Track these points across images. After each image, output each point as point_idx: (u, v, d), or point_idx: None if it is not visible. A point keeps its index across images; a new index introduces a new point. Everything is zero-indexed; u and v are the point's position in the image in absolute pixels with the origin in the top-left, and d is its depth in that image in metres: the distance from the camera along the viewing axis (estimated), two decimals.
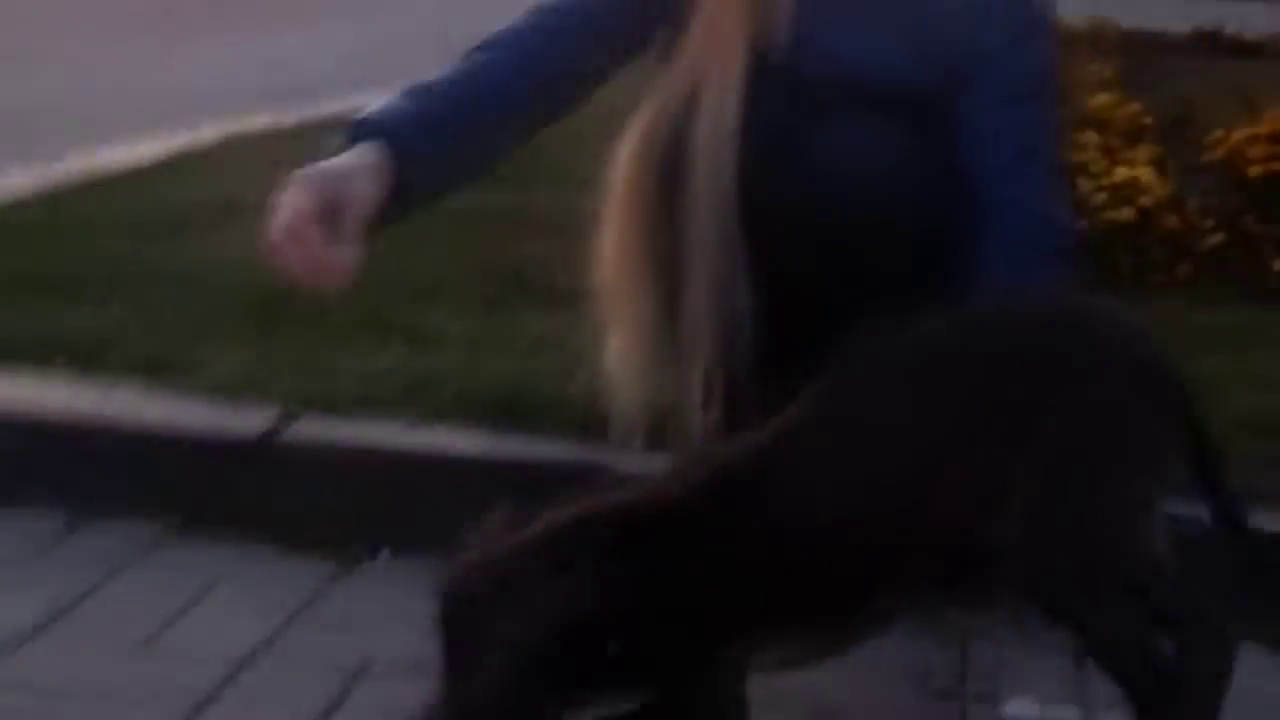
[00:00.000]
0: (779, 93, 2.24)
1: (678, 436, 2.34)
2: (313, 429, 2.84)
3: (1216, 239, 4.08)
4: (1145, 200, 4.20)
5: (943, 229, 2.23)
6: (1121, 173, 4.35)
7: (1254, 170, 4.51)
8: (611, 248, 2.30)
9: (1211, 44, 10.17)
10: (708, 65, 2.25)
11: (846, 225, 2.18)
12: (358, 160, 2.08)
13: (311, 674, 2.30)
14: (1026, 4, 2.36)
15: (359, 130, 2.13)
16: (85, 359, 3.08)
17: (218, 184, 4.71)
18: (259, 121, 6.14)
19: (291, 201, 2.01)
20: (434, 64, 2.29)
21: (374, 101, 2.20)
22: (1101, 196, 4.14)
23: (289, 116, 6.27)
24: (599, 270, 2.32)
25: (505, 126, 2.31)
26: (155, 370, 3.03)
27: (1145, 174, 4.36)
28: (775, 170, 2.21)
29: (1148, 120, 5.46)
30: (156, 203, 4.48)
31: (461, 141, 2.23)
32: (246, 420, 2.85)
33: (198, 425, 2.86)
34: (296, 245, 2.00)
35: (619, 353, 2.34)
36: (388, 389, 2.96)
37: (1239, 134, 4.72)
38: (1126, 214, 4.08)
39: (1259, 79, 7.96)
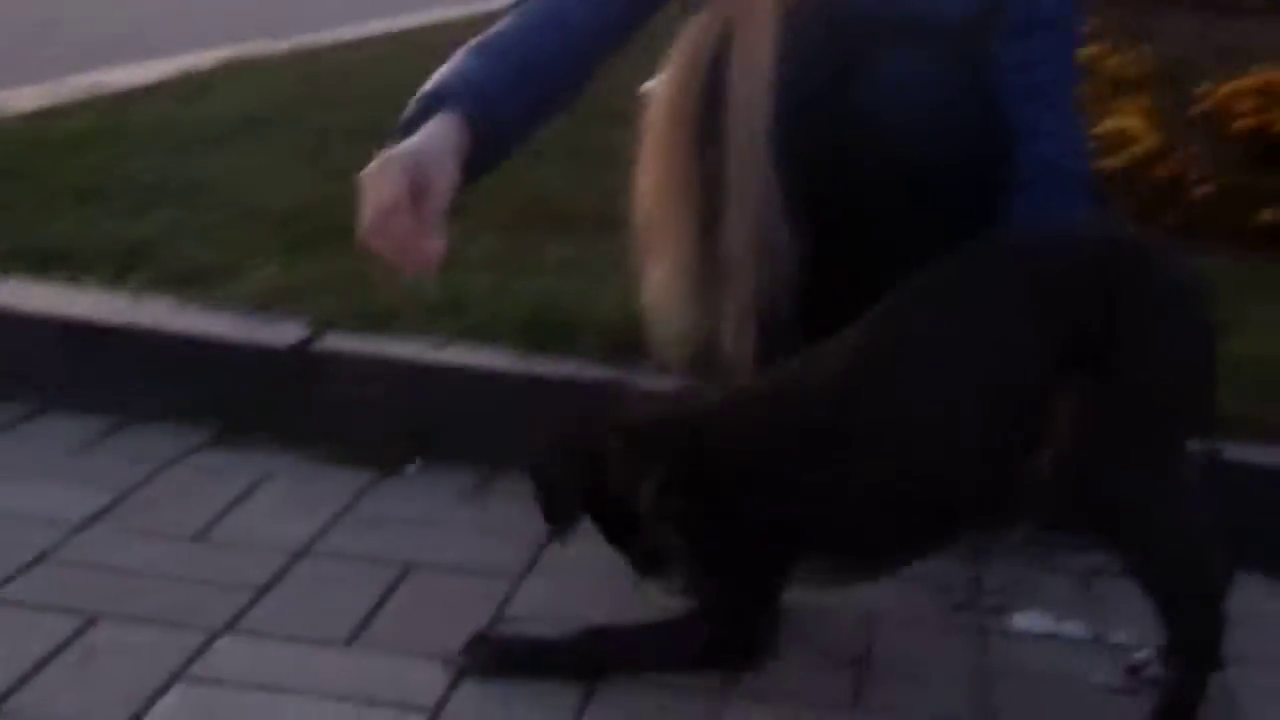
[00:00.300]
0: (819, 29, 2.33)
1: (715, 365, 2.45)
2: (344, 342, 2.93)
3: (1206, 189, 4.18)
4: (1136, 149, 4.30)
5: (984, 161, 2.34)
6: (1112, 122, 4.45)
7: (1240, 124, 4.61)
8: (650, 182, 2.39)
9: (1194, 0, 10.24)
10: (741, 1, 2.34)
11: (895, 160, 2.28)
12: (441, 140, 2.13)
13: (362, 568, 2.41)
14: None
15: (438, 98, 2.19)
16: (119, 270, 3.17)
17: (230, 103, 4.80)
18: (255, 48, 6.18)
19: (380, 190, 2.07)
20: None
21: (446, 63, 2.27)
22: (1093, 145, 4.23)
23: (283, 43, 6.33)
24: (639, 204, 2.40)
25: (574, 76, 2.38)
26: (189, 282, 3.11)
27: (1136, 123, 4.46)
28: (820, 107, 2.30)
29: (1137, 72, 5.54)
30: (175, 120, 4.56)
31: (535, 99, 2.30)
32: (280, 332, 2.95)
33: (233, 335, 2.95)
34: (387, 235, 2.07)
35: (658, 284, 2.43)
36: (416, 306, 3.04)
37: (1226, 88, 4.82)
38: (1118, 162, 4.18)
39: (1241, 35, 8.08)
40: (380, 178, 2.07)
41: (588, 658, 2.15)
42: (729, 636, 2.13)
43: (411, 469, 2.78)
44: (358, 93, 5.30)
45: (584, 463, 2.19)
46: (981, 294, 2.04)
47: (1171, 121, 4.75)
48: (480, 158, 2.18)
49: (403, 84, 5.41)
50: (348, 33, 6.92)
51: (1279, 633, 2.41)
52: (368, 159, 4.15)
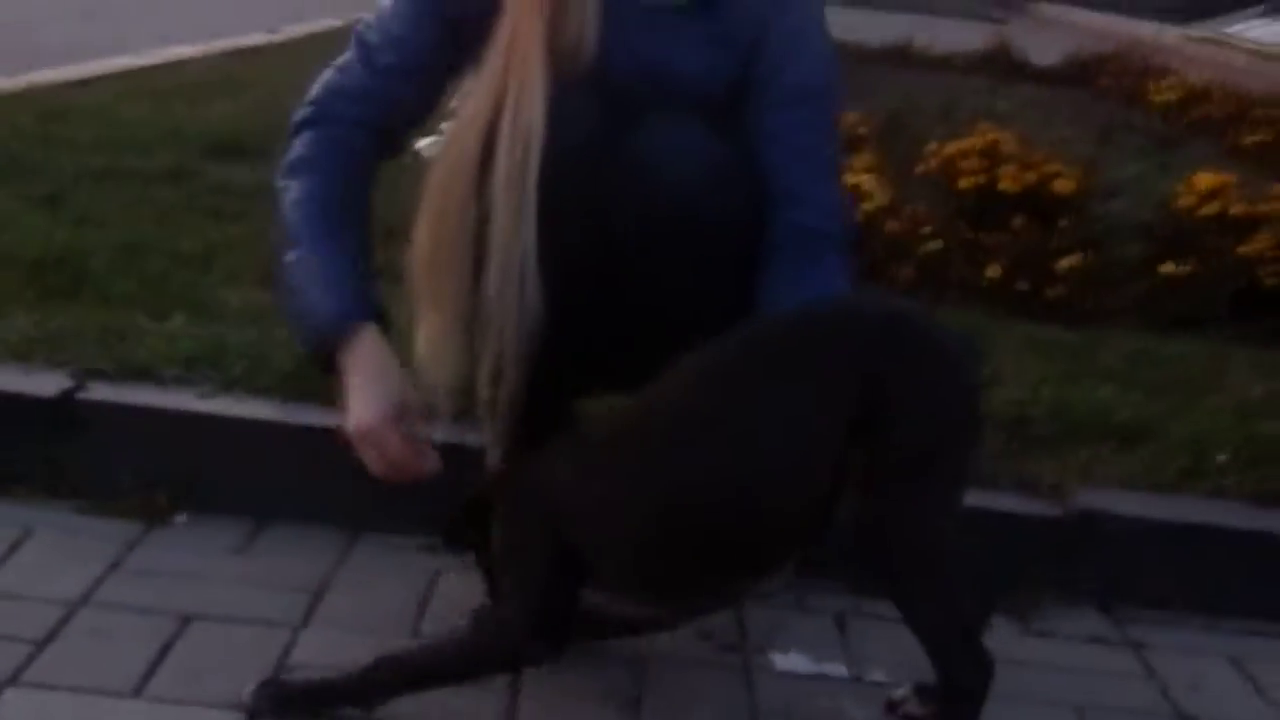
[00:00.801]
0: (591, 96, 2.43)
1: (479, 415, 2.53)
2: (107, 393, 2.92)
3: (935, 245, 4.36)
4: (867, 205, 4.47)
5: (744, 224, 2.46)
6: (843, 179, 4.60)
7: (964, 182, 4.82)
8: (425, 238, 2.47)
9: (903, 57, 10.61)
10: (510, 71, 2.43)
11: (657, 219, 2.39)
12: (388, 362, 2.41)
13: (140, 620, 2.42)
14: (806, 17, 2.59)
15: (333, 327, 2.39)
16: None
17: None
18: None
19: (388, 451, 2.34)
20: None
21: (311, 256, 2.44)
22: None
23: (12, 80, 6.25)
24: (414, 258, 2.48)
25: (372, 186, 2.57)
26: None
27: (866, 180, 4.63)
28: (587, 167, 2.40)
29: (864, 130, 5.75)
30: None
31: (363, 228, 2.52)
32: (41, 382, 2.92)
33: None
34: (401, 477, 2.36)
35: (428, 335, 2.51)
36: (177, 358, 3.04)
37: (951, 147, 5.03)
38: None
39: (950, 90, 8.42)
40: (384, 440, 2.34)
41: (378, 683, 2.21)
42: (515, 635, 2.21)
43: (180, 520, 2.78)
44: (94, 134, 5.25)
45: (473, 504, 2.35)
46: (774, 368, 2.14)
47: (899, 178, 4.94)
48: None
49: (139, 126, 5.39)
50: (78, 70, 6.82)
51: (1030, 673, 2.56)
52: (112, 205, 4.13)
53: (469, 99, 2.47)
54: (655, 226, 2.40)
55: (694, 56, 2.51)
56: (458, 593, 2.55)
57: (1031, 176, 4.72)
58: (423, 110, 2.56)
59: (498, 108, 2.42)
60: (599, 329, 2.44)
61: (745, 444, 2.11)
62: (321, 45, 8.84)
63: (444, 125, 2.52)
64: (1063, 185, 4.74)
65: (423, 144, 2.60)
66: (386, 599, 2.57)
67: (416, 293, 2.51)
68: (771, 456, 2.10)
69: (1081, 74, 10.81)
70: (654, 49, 2.50)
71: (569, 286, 2.42)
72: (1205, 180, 4.77)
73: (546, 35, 2.43)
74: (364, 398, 2.34)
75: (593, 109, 2.43)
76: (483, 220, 2.41)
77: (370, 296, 2.43)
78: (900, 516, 2.07)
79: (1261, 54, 12.38)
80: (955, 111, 7.47)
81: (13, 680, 2.21)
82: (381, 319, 2.42)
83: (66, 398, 2.88)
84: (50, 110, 5.65)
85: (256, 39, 9.26)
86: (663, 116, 2.45)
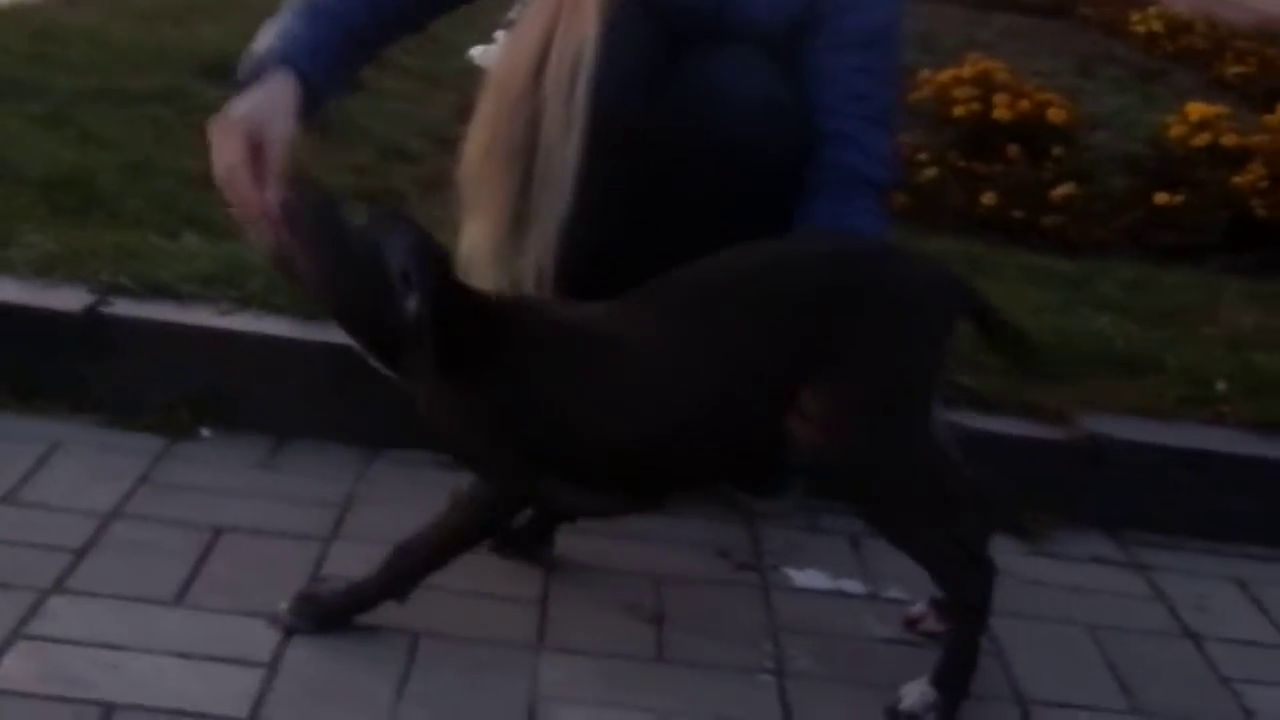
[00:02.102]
0: (651, 21, 2.52)
1: None
2: (130, 309, 2.95)
3: (931, 173, 4.41)
4: None
5: (791, 156, 2.52)
6: None
7: (958, 110, 4.86)
8: (477, 146, 2.54)
9: None
10: None
11: (713, 147, 2.46)
12: (273, 98, 2.39)
13: (173, 532, 2.48)
14: None
15: (268, 61, 2.42)
16: None
17: None
18: None
19: (223, 151, 2.33)
20: None
21: (275, 21, 2.48)
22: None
23: None
24: (464, 164, 2.54)
25: (387, 35, 2.62)
26: None
27: None
28: (643, 93, 2.47)
29: None
30: None
31: (353, 54, 2.55)
32: (65, 298, 2.95)
33: (19, 301, 2.94)
34: (231, 188, 2.33)
35: (472, 240, 2.57)
36: (195, 275, 3.08)
37: (944, 75, 5.07)
38: None
39: (929, 19, 8.42)
40: (223, 139, 2.33)
41: (401, 571, 2.28)
42: (504, 489, 2.28)
43: (205, 435, 2.83)
44: (85, 55, 5.25)
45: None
46: (730, 305, 2.20)
47: None
48: (311, 106, 2.45)
49: (129, 47, 5.37)
50: None
51: (1041, 592, 2.63)
52: (112, 125, 4.15)
53: (529, 9, 2.54)
54: (704, 153, 2.47)
55: None
56: None
57: (1025, 105, 4.76)
58: (411, 20, 2.63)
59: (555, 21, 2.49)
60: (638, 253, 2.49)
61: (696, 377, 2.19)
62: None
63: (499, 34, 2.58)
64: (1056, 114, 4.78)
65: (477, 51, 2.68)
66: (411, 513, 2.58)
67: (465, 193, 2.58)
68: (717, 389, 2.18)
69: (1062, 2, 10.82)
70: None
71: (616, 206, 2.48)
72: (1197, 111, 4.82)
73: None
74: (239, 101, 2.38)
75: (651, 34, 2.51)
76: (531, 130, 2.48)
77: (322, 68, 2.46)
78: (869, 454, 2.15)
79: None
80: (935, 41, 7.49)
81: (57, 588, 2.26)
82: (318, 98, 2.45)
83: (91, 314, 2.92)
84: (40, 30, 5.64)
85: None
86: (722, 47, 2.52)
